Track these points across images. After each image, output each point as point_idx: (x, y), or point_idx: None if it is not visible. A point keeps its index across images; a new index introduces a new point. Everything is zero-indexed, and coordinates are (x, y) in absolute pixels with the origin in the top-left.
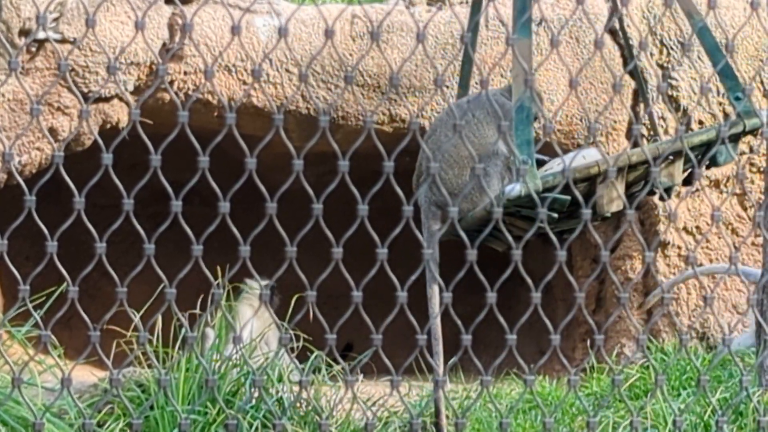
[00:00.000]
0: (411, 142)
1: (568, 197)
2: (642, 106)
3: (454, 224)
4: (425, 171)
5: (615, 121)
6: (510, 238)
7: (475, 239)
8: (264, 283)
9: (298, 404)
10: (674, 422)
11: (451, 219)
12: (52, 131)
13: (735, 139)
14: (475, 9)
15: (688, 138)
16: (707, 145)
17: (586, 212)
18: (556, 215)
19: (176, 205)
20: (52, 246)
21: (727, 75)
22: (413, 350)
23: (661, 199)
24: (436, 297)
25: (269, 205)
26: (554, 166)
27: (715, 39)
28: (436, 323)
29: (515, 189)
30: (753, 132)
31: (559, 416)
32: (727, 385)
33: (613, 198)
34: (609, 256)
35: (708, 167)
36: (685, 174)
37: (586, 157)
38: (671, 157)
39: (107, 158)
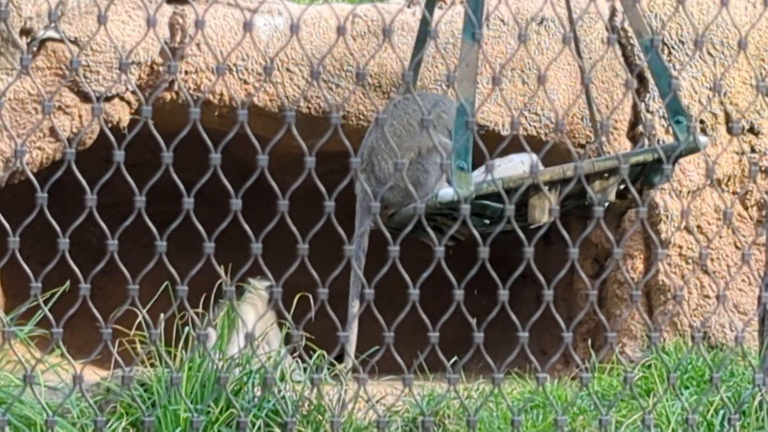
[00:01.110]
0: None
1: (500, 206)
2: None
3: (390, 218)
4: (365, 161)
5: (616, 120)
6: (434, 236)
7: (403, 234)
8: (265, 283)
9: (300, 403)
10: (686, 420)
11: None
12: (53, 130)
13: (674, 160)
14: (430, 4)
15: (626, 157)
16: (643, 165)
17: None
18: (487, 221)
19: (188, 202)
20: (64, 243)
21: (669, 97)
22: (413, 349)
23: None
24: (358, 297)
25: (281, 202)
26: (495, 167)
27: (663, 60)
28: (353, 323)
29: (448, 194)
30: (690, 154)
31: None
32: (729, 384)
33: (545, 209)
34: (621, 254)
35: (642, 187)
36: (620, 189)
37: (524, 163)
38: (606, 174)
39: (119, 155)
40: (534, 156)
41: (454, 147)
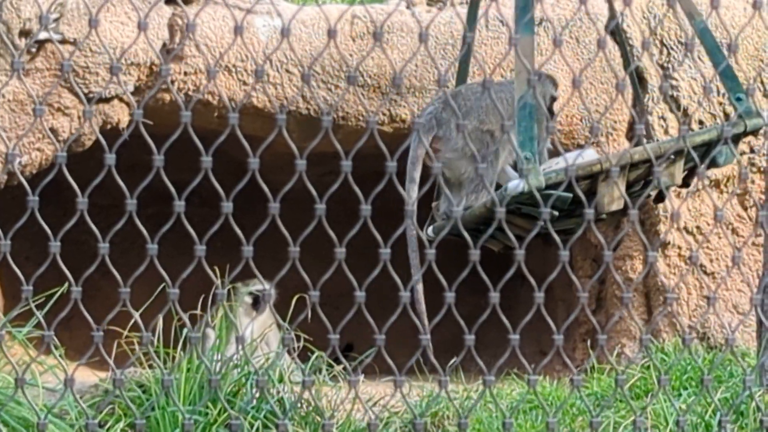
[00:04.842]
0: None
1: (570, 195)
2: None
3: (454, 223)
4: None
5: (615, 121)
6: (512, 237)
7: (475, 238)
8: (259, 286)
9: (298, 404)
10: (677, 422)
11: (454, 218)
12: (53, 132)
13: (736, 139)
14: (474, 7)
15: (690, 138)
16: (708, 145)
17: (589, 211)
18: (557, 213)
19: (179, 205)
20: (55, 246)
21: (727, 75)
22: (413, 350)
23: (657, 201)
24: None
25: (272, 205)
26: (553, 164)
27: (715, 39)
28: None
29: (518, 186)
30: (754, 132)
31: (560, 416)
32: (728, 384)
33: (614, 197)
34: (612, 255)
35: (708, 167)
36: (685, 174)
37: (584, 157)
38: (672, 157)
39: (110, 158)
40: (592, 150)
41: (519, 139)
